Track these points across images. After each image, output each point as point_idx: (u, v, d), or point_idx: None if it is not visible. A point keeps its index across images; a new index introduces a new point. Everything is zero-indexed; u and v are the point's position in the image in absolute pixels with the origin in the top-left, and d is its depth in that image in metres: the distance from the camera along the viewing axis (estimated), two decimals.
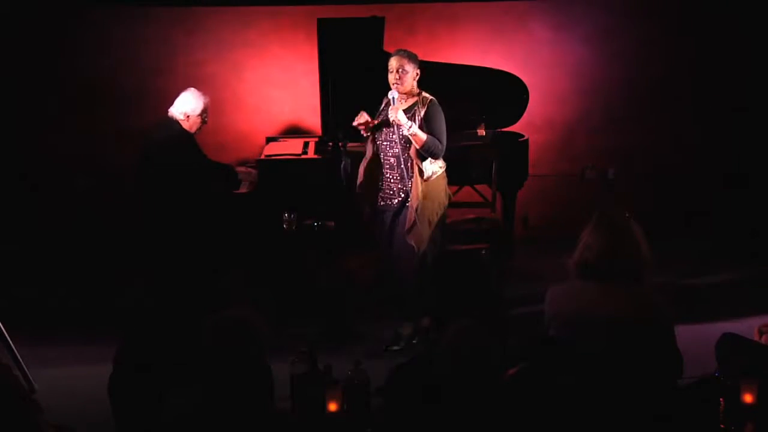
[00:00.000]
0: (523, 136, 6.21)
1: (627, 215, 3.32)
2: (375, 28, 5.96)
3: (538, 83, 6.69)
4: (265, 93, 6.84)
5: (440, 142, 4.73)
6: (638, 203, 6.75)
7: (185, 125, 5.27)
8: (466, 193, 5.88)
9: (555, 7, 6.94)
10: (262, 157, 5.87)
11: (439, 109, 4.80)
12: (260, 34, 6.82)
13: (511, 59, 6.75)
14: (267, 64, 6.86)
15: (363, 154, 5.92)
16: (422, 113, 4.72)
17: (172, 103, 5.40)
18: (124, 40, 6.75)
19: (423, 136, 4.64)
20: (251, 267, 5.67)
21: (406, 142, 4.71)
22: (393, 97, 4.68)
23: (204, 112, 5.33)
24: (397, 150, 4.73)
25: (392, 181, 4.81)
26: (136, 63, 6.77)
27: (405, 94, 4.75)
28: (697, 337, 4.00)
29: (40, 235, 6.66)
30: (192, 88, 5.37)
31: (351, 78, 5.87)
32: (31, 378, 4.23)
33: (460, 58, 6.55)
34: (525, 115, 6.29)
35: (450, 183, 5.87)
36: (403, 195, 4.76)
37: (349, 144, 5.18)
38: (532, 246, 6.62)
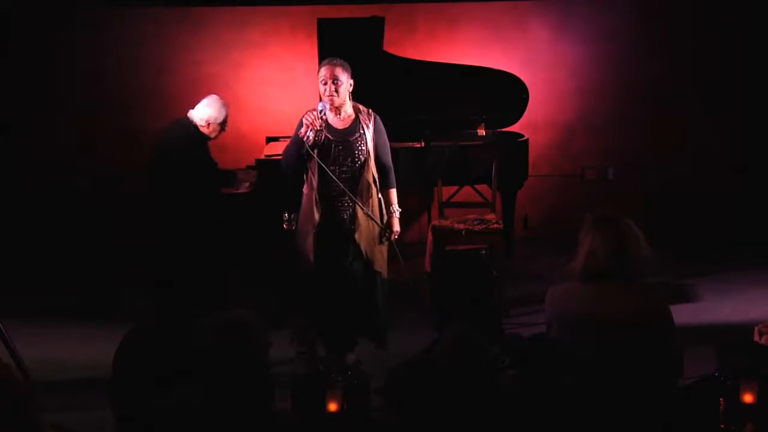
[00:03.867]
0: (523, 136, 6.22)
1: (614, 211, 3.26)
2: (375, 28, 5.96)
3: (538, 83, 6.70)
4: (265, 93, 6.84)
5: (390, 163, 4.47)
6: (638, 203, 6.76)
7: (204, 130, 5.25)
8: (466, 193, 5.88)
9: (555, 7, 6.95)
10: (262, 157, 5.87)
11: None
12: (260, 33, 6.83)
13: (510, 59, 6.76)
14: (267, 64, 6.86)
15: None
16: (371, 127, 4.35)
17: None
18: (124, 40, 6.75)
19: (396, 204, 4.48)
20: (251, 267, 5.67)
21: (361, 162, 4.34)
22: (322, 109, 4.24)
23: (225, 121, 5.31)
24: (350, 174, 4.32)
25: (343, 206, 4.38)
26: (136, 63, 6.78)
27: (338, 107, 4.32)
28: (697, 337, 4.00)
29: (41, 234, 6.66)
30: (215, 95, 5.31)
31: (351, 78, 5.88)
32: (30, 377, 4.22)
33: (459, 57, 6.55)
34: (525, 115, 6.30)
35: (450, 183, 5.90)
36: (350, 222, 4.38)
37: None
38: (532, 246, 6.63)
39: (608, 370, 3.02)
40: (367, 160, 4.36)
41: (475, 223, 5.54)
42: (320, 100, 4.34)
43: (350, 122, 4.36)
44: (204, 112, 5.24)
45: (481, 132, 6.26)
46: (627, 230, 3.11)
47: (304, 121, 4.24)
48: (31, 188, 6.75)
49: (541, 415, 2.93)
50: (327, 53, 5.84)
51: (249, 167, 5.84)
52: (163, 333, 3.29)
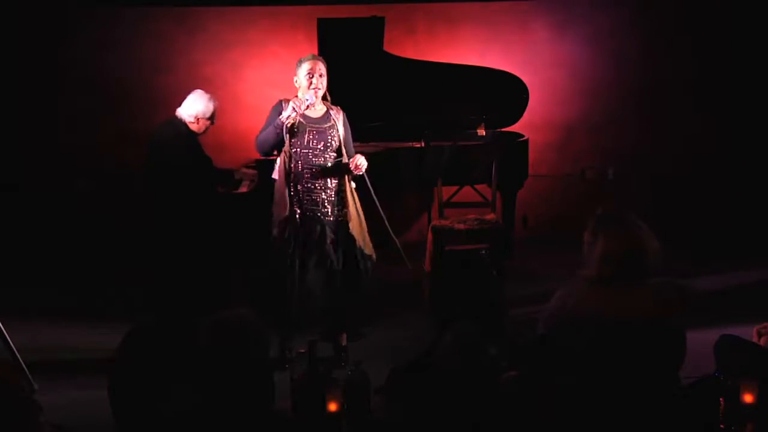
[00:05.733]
0: (523, 136, 6.22)
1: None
2: (375, 28, 5.97)
3: (538, 83, 6.71)
4: (265, 93, 6.81)
5: (353, 152, 4.59)
6: (638, 203, 6.76)
7: (193, 127, 5.31)
8: (466, 193, 5.88)
9: (555, 7, 6.95)
10: (261, 157, 5.85)
11: None
12: (260, 33, 6.83)
13: (510, 59, 6.76)
14: (267, 64, 6.86)
15: (364, 153, 5.93)
16: (341, 120, 4.54)
17: (172, 103, 5.42)
18: (124, 40, 6.76)
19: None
20: (250, 267, 5.67)
21: (333, 150, 4.48)
22: (309, 98, 4.39)
23: (213, 115, 5.35)
24: (322, 159, 4.46)
25: (316, 189, 4.48)
26: (136, 63, 6.78)
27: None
28: (696, 338, 3.98)
29: (41, 234, 6.66)
30: (200, 90, 5.39)
31: (351, 78, 5.88)
32: (31, 378, 4.22)
33: (459, 57, 6.56)
34: (525, 115, 6.31)
35: (450, 183, 5.90)
36: (329, 206, 4.49)
37: None
38: (532, 246, 6.63)
39: (619, 369, 3.00)
40: (339, 148, 4.51)
41: (475, 223, 5.54)
42: (296, 95, 4.50)
43: (323, 114, 4.54)
44: (192, 108, 5.29)
45: (481, 132, 6.26)
46: (637, 229, 3.07)
47: (293, 105, 4.41)
48: (31, 188, 6.75)
49: (541, 415, 2.93)
50: (327, 53, 5.86)
51: (247, 166, 5.85)
52: (163, 333, 3.28)
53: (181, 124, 5.29)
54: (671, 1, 7.01)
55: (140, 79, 6.79)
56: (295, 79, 4.53)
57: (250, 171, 5.74)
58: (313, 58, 4.53)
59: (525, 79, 6.24)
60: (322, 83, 4.47)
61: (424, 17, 6.90)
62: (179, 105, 5.41)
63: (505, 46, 6.91)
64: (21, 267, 6.26)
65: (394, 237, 4.77)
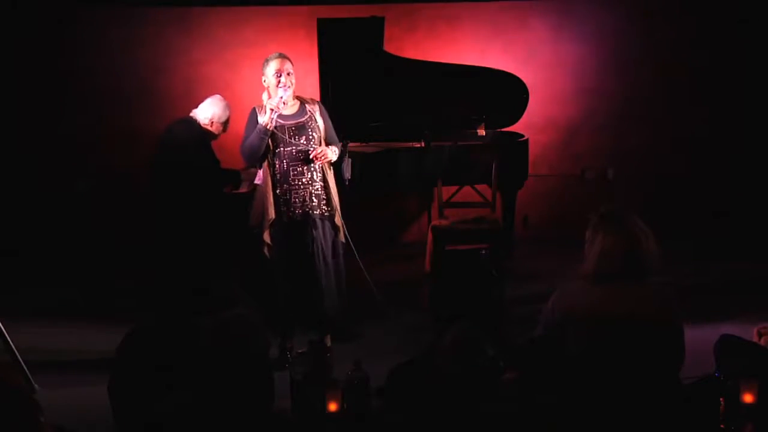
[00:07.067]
0: (523, 136, 6.22)
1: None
2: (375, 28, 5.97)
3: (538, 83, 6.70)
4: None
5: (337, 140, 4.64)
6: (638, 203, 6.76)
7: (207, 129, 5.38)
8: (466, 193, 5.88)
9: (555, 7, 6.95)
10: None
11: None
12: (259, 33, 6.82)
13: (511, 59, 6.76)
14: None
15: (364, 153, 5.94)
16: (317, 111, 4.58)
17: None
18: (123, 40, 6.75)
19: (335, 155, 4.56)
20: (251, 267, 5.67)
21: (315, 142, 4.51)
22: (283, 96, 4.41)
23: (227, 122, 5.45)
24: (304, 153, 4.48)
25: (303, 185, 4.50)
26: (135, 63, 6.78)
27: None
28: (696, 338, 3.99)
29: (41, 234, 6.66)
30: (218, 95, 5.50)
31: (351, 78, 5.88)
32: (31, 378, 4.23)
33: (459, 57, 6.56)
34: (525, 115, 6.30)
35: (450, 183, 5.90)
36: (316, 200, 4.51)
37: (350, 143, 5.18)
38: (532, 246, 6.63)
39: (618, 369, 3.00)
40: (320, 139, 4.55)
41: (475, 223, 5.54)
42: (268, 95, 4.53)
43: (297, 109, 4.57)
44: (208, 111, 5.38)
45: (481, 132, 6.26)
46: (637, 229, 3.08)
47: (270, 106, 4.43)
48: (32, 188, 6.75)
49: (540, 415, 2.93)
50: (327, 53, 5.90)
51: (248, 167, 5.85)
52: (163, 333, 3.29)
53: (195, 123, 5.36)
54: (671, 1, 7.00)
55: (139, 79, 6.78)
56: (263, 78, 4.55)
57: (252, 170, 5.74)
58: (280, 56, 4.55)
59: (525, 78, 6.24)
60: (291, 81, 4.51)
61: (425, 17, 6.90)
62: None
63: (506, 46, 6.91)
64: (21, 267, 6.26)
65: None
